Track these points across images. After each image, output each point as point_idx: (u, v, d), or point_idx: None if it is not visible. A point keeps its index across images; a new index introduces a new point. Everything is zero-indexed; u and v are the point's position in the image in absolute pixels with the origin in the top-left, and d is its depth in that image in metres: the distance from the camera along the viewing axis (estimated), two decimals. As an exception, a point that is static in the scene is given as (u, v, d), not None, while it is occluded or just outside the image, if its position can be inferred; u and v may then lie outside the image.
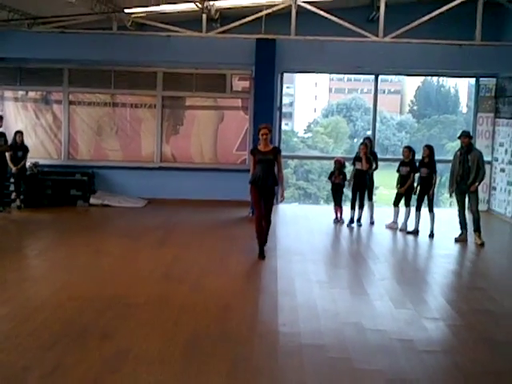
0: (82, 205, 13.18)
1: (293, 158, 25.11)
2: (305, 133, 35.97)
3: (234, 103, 14.10)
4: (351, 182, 11.92)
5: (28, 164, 12.92)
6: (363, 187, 11.88)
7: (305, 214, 13.60)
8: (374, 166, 12.00)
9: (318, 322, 6.35)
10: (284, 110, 16.02)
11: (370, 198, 12.28)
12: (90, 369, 4.98)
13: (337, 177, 12.14)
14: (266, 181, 8.74)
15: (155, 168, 14.02)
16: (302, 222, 12.28)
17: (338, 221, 12.09)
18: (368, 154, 11.80)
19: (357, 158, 11.90)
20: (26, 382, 4.73)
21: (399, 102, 40.44)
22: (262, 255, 8.94)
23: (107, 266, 8.36)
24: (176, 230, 11.08)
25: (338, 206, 12.16)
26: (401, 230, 11.44)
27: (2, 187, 12.21)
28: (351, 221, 11.84)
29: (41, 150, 13.97)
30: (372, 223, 12.01)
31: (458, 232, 10.73)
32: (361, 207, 11.84)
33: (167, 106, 14.13)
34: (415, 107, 38.80)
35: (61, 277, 7.77)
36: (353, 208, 11.86)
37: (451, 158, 11.07)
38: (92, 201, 13.25)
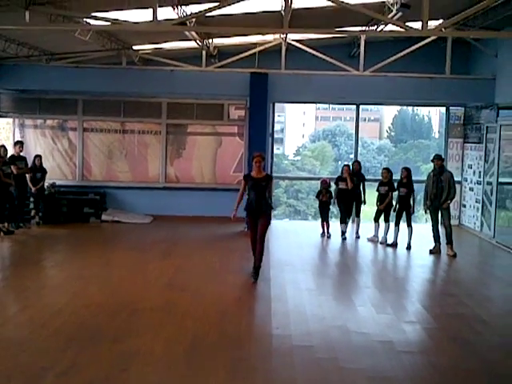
0: (95, 221, 13.14)
1: (284, 178, 25.19)
2: (294, 156, 36.03)
3: (231, 130, 14.15)
4: (335, 201, 11.99)
5: (46, 185, 12.89)
6: (348, 204, 11.94)
7: (295, 229, 13.60)
8: (360, 185, 11.98)
9: (308, 325, 6.33)
10: (275, 135, 16.09)
11: (358, 215, 12.26)
12: (101, 368, 4.96)
13: (324, 195, 12.17)
14: (259, 206, 8.12)
15: (160, 188, 14.02)
16: (292, 237, 12.28)
17: (325, 235, 12.08)
18: (351, 176, 11.84)
19: (340, 179, 11.96)
20: (44, 381, 4.71)
21: (378, 129, 40.63)
22: (254, 276, 8.17)
23: (117, 276, 8.33)
24: (179, 243, 11.06)
25: (325, 221, 12.17)
26: (381, 243, 11.44)
27: (22, 205, 12.17)
28: (342, 233, 11.86)
29: (58, 172, 13.96)
30: (358, 237, 11.98)
31: (432, 244, 10.74)
32: (343, 222, 11.85)
33: (171, 132, 14.16)
34: (393, 133, 38.98)
35: (75, 286, 7.74)
36: (342, 222, 11.91)
37: (425, 178, 11.11)
38: (103, 217, 13.22)
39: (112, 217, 13.25)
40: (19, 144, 12.38)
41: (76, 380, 4.73)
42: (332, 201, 12.11)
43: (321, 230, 12.25)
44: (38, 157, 12.66)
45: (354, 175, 12.00)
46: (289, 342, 5.76)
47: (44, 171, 12.65)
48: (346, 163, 12.56)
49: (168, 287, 7.73)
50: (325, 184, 12.24)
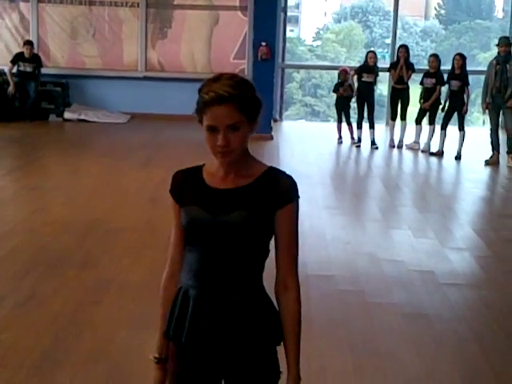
0: (55, 119, 13.13)
1: (299, 67, 24.87)
2: (313, 40, 35.41)
3: (231, 2, 13.85)
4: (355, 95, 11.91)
5: (-8, 72, 12.82)
6: (372, 103, 11.87)
7: (312, 132, 13.59)
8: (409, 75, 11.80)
9: (327, 251, 6.42)
10: (289, 13, 15.76)
11: (404, 117, 12.04)
12: (68, 299, 5.07)
13: (346, 89, 12.00)
14: (226, 318, 2.45)
15: (139, 78, 13.88)
16: (310, 142, 12.27)
17: (353, 141, 12.01)
18: (407, 62, 11.68)
19: (364, 68, 11.80)
20: (-3, 313, 4.83)
21: (424, 5, 39.74)
22: None
23: (86, 188, 8.40)
24: (164, 149, 11.08)
25: (347, 122, 12.08)
26: (423, 151, 11.46)
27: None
28: (359, 140, 11.86)
29: (5, 56, 13.76)
30: (400, 146, 11.82)
31: (488, 153, 10.74)
32: (372, 127, 11.81)
33: (152, 4, 13.87)
34: (442, 11, 38.09)
35: (33, 199, 7.83)
36: (359, 127, 11.89)
37: (485, 68, 10.97)
38: (67, 115, 13.18)
39: (78, 114, 13.22)
40: None
41: (37, 313, 4.85)
42: (353, 95, 11.99)
43: (337, 135, 12.18)
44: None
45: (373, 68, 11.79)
46: (303, 271, 5.75)
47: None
48: (372, 49, 12.38)
49: (150, 203, 7.78)
50: (345, 74, 12.11)
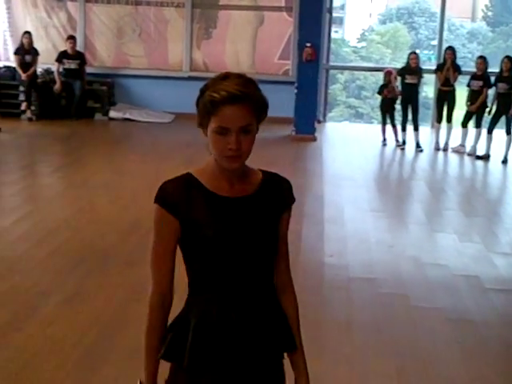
0: (101, 118, 13.27)
1: (343, 69, 24.79)
2: (358, 42, 35.27)
3: (277, 3, 13.83)
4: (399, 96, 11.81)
5: (39, 70, 12.99)
6: (416, 105, 11.76)
7: (356, 134, 13.52)
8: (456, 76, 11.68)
9: (370, 253, 6.40)
10: (334, 14, 15.72)
11: (450, 120, 11.86)
12: (112, 296, 5.14)
13: (390, 90, 11.92)
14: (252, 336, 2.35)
15: (184, 78, 13.95)
16: (353, 144, 12.20)
17: (397, 143, 11.92)
18: (454, 64, 11.57)
19: (406, 70, 11.71)
20: (43, 309, 4.91)
21: (471, 7, 39.29)
22: None
23: (130, 187, 8.48)
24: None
25: (392, 125, 12.00)
26: (469, 155, 11.32)
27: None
28: (403, 142, 11.78)
29: (53, 55, 13.96)
30: (446, 149, 11.68)
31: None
32: (416, 129, 11.71)
33: (197, 4, 13.94)
34: (490, 13, 37.61)
35: (79, 197, 7.93)
36: (404, 129, 11.79)
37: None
38: (112, 114, 13.32)
39: (122, 113, 13.34)
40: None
41: (81, 309, 4.92)
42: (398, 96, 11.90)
43: (382, 137, 12.11)
44: (27, 34, 12.70)
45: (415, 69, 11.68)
46: (345, 274, 5.85)
47: (35, 53, 12.72)
48: (414, 50, 12.28)
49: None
50: (390, 75, 12.03)
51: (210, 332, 2.21)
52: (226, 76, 2.19)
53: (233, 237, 2.21)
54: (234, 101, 2.12)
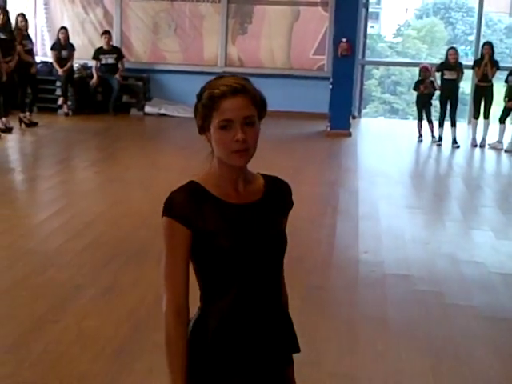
0: (136, 113, 13.36)
1: (379, 64, 24.61)
2: (394, 37, 34.95)
3: (313, -3, 13.82)
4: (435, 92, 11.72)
5: (76, 65, 13.12)
6: (456, 101, 11.65)
7: (391, 130, 13.45)
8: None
9: (405, 250, 6.36)
10: (370, 9, 15.58)
11: (487, 116, 11.72)
12: (147, 290, 5.16)
13: (427, 86, 11.81)
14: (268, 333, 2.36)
15: (219, 73, 13.89)
16: (388, 140, 12.13)
17: (433, 139, 11.81)
18: (492, 59, 11.46)
19: (445, 66, 11.59)
20: (78, 302, 4.97)
21: (509, 1, 38.72)
22: None
23: (164, 182, 8.47)
24: (242, 144, 11.13)
25: (428, 121, 11.90)
26: (506, 151, 11.21)
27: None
28: (440, 138, 11.66)
29: (89, 50, 14.08)
30: (483, 146, 11.57)
31: None
32: (453, 125, 11.59)
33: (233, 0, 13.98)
34: (529, 7, 37.14)
35: (114, 191, 8.00)
36: (441, 125, 11.67)
37: None
38: (147, 109, 13.40)
39: (158, 109, 13.41)
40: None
41: (116, 303, 4.97)
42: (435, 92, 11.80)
43: (417, 133, 12.00)
44: (63, 29, 12.83)
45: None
46: (380, 270, 5.82)
47: (72, 48, 12.84)
48: (453, 46, 12.16)
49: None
50: (426, 71, 11.92)
51: (231, 341, 2.19)
52: (221, 76, 2.21)
53: (249, 245, 2.19)
54: (234, 93, 2.12)
